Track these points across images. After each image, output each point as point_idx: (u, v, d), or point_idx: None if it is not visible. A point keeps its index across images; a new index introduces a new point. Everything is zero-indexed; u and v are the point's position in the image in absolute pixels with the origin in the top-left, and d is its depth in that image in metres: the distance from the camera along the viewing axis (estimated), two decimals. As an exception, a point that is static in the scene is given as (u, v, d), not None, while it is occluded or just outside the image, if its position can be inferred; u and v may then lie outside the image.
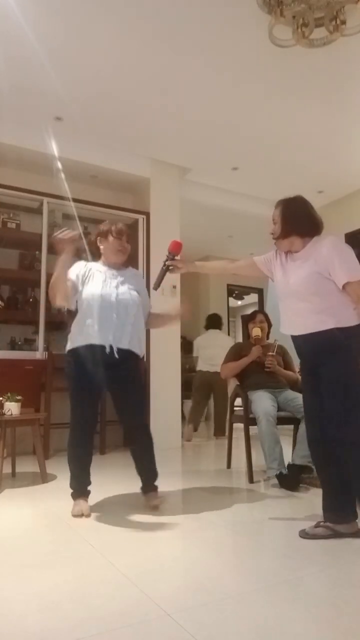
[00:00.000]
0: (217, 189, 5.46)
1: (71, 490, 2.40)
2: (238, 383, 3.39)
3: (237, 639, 1.20)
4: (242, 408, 3.18)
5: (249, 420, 3.06)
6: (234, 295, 8.98)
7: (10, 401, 2.94)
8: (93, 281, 2.40)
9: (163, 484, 2.98)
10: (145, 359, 4.52)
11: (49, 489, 2.86)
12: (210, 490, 2.84)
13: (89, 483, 2.44)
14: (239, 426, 3.26)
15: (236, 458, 3.50)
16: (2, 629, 1.27)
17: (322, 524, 2.00)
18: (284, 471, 2.82)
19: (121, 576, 1.59)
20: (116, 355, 2.32)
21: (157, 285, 2.33)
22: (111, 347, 2.31)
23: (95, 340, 2.31)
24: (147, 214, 4.75)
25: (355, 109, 3.95)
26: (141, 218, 4.77)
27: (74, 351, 2.37)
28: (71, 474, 2.41)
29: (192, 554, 1.83)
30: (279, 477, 2.81)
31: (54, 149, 4.20)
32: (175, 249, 2.35)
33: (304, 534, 1.98)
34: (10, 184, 4.18)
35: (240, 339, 9.45)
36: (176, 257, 2.35)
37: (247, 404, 3.10)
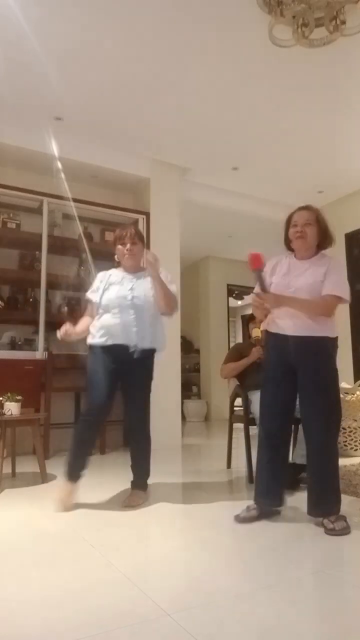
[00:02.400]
0: (217, 189, 5.46)
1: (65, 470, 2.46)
2: (238, 383, 3.38)
3: (237, 639, 1.20)
4: (242, 408, 3.19)
5: (249, 420, 3.06)
6: (234, 295, 8.95)
7: (10, 401, 2.94)
8: (111, 287, 2.56)
9: (163, 484, 2.98)
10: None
11: (49, 489, 2.86)
12: (210, 490, 2.84)
13: (84, 468, 2.48)
14: (238, 426, 3.26)
15: (236, 458, 3.50)
16: (2, 629, 1.27)
17: (252, 507, 2.19)
18: None
19: (121, 576, 1.59)
20: (138, 354, 2.47)
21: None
22: (136, 346, 2.46)
23: (118, 339, 2.46)
24: (147, 214, 4.75)
25: (355, 109, 3.95)
26: (141, 218, 4.76)
27: (94, 347, 2.51)
28: (70, 455, 2.46)
29: (192, 553, 1.83)
30: None
31: (54, 149, 4.20)
32: (258, 263, 2.07)
33: (240, 519, 2.15)
34: (10, 184, 4.18)
35: (240, 339, 9.45)
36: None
37: (247, 404, 3.10)
